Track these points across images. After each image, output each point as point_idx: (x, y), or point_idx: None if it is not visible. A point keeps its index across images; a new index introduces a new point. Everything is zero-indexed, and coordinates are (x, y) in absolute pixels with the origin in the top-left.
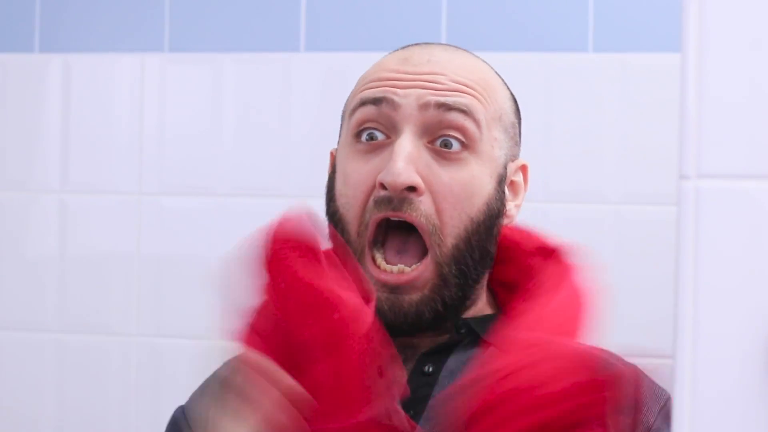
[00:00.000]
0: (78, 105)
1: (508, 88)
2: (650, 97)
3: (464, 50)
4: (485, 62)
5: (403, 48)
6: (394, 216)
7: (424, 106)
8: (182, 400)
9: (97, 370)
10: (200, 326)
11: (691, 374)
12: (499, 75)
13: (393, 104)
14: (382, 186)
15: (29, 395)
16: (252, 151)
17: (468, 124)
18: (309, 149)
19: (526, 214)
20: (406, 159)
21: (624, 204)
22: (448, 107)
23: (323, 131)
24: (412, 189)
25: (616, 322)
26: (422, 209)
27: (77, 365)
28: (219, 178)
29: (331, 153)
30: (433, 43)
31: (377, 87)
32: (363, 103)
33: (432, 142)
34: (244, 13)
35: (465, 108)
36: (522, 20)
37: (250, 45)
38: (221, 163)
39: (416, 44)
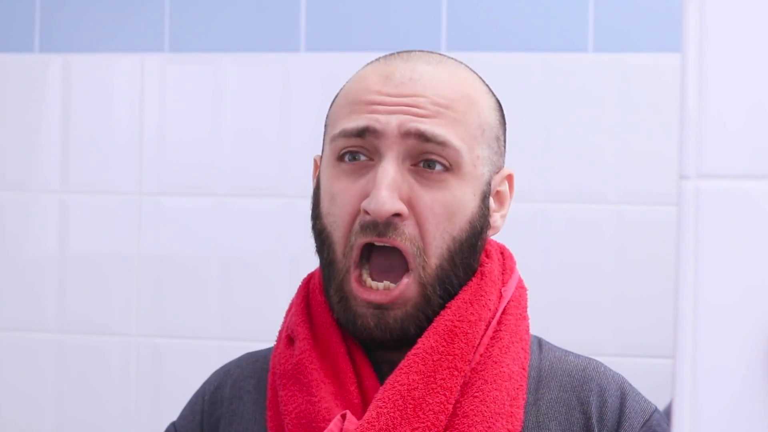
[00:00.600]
0: (78, 105)
1: (493, 95)
2: (650, 96)
3: (447, 59)
4: (469, 70)
5: (386, 59)
6: (380, 242)
7: (406, 134)
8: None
9: (97, 371)
10: (200, 326)
11: (691, 374)
12: (483, 82)
13: (376, 132)
14: (367, 212)
15: (29, 395)
16: (252, 152)
17: (447, 152)
18: (308, 149)
19: (527, 215)
20: (389, 186)
21: (624, 204)
22: (426, 138)
23: (323, 132)
24: (396, 214)
25: (617, 321)
26: (407, 233)
27: (77, 365)
28: (219, 179)
29: (315, 160)
30: (415, 53)
31: (360, 114)
32: (347, 135)
33: (415, 164)
34: (244, 13)
35: (442, 140)
36: (522, 20)
37: (250, 45)
38: (221, 164)
39: (399, 55)
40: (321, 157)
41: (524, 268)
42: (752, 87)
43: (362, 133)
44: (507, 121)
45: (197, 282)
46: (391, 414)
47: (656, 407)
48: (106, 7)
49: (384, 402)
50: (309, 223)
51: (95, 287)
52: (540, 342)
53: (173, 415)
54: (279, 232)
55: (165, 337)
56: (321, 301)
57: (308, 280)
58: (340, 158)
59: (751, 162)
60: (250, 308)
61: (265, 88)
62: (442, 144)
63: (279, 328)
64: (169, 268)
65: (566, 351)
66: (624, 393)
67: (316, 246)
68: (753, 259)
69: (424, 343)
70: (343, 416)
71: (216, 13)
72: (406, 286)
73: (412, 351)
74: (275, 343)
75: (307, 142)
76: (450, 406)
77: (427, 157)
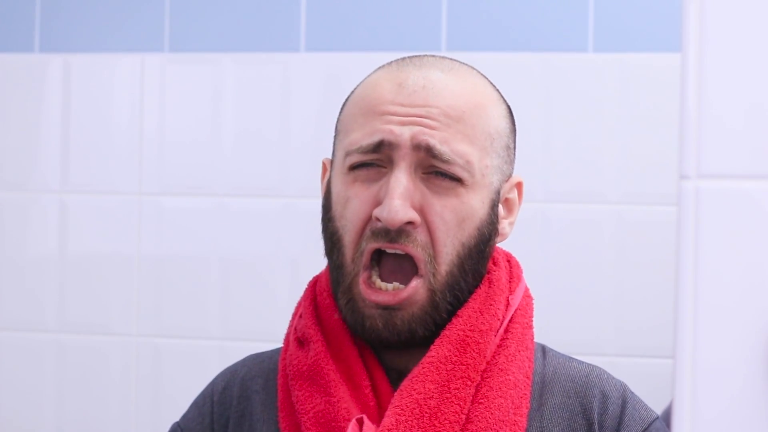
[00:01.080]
0: (78, 105)
1: (503, 101)
2: (650, 97)
3: (459, 65)
4: (481, 76)
5: (399, 64)
6: (391, 248)
7: (417, 147)
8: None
9: (97, 371)
10: (200, 326)
11: (691, 374)
12: (495, 88)
13: (390, 145)
14: (379, 219)
15: (29, 395)
16: (252, 152)
17: (454, 169)
18: (309, 150)
19: (527, 215)
20: (401, 195)
21: (624, 204)
22: (433, 155)
23: (323, 131)
24: (409, 222)
25: (617, 321)
26: (419, 240)
27: (77, 365)
28: (219, 179)
29: (324, 163)
30: (428, 58)
31: (374, 126)
32: (363, 151)
33: (426, 172)
34: (244, 13)
35: (448, 158)
36: (522, 20)
37: (250, 45)
38: (221, 164)
39: (412, 61)
40: (331, 161)
41: (524, 269)
42: (752, 87)
43: (378, 148)
44: None
45: (197, 282)
46: (409, 422)
47: (657, 415)
48: (106, 7)
49: (402, 409)
50: (309, 223)
51: (95, 287)
52: (544, 349)
53: (173, 415)
54: (279, 232)
55: (165, 337)
56: (329, 304)
57: (314, 283)
58: (353, 168)
59: (751, 162)
60: (250, 308)
61: (265, 88)
62: (448, 162)
63: (285, 330)
64: (169, 268)
65: (570, 357)
66: (625, 400)
67: (326, 248)
68: (753, 259)
69: (438, 351)
70: (359, 420)
71: (216, 13)
72: (415, 288)
73: (426, 359)
74: (283, 345)
75: (307, 142)
76: (463, 417)
77: (436, 170)
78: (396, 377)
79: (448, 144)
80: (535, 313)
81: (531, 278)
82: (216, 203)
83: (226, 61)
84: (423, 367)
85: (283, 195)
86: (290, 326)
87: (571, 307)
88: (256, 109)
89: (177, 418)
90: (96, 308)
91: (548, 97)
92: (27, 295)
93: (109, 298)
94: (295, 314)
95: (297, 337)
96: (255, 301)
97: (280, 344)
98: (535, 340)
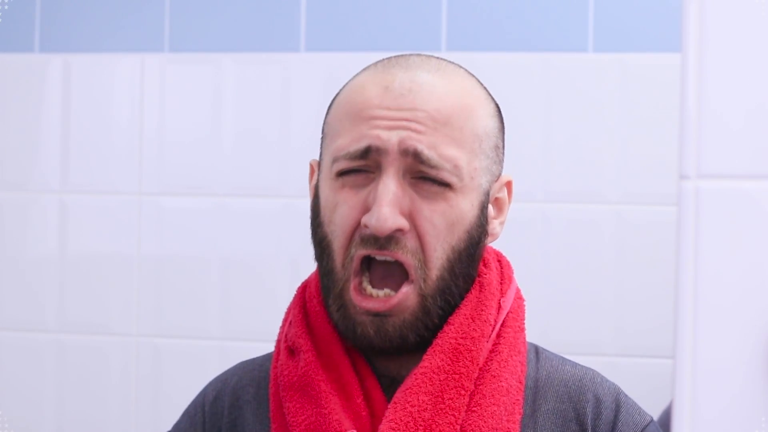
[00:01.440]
0: (78, 105)
1: (492, 100)
2: (650, 97)
3: (446, 64)
4: (468, 75)
5: (385, 66)
6: (381, 255)
7: (405, 152)
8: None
9: (97, 371)
10: (200, 326)
11: (691, 374)
12: (482, 87)
13: (378, 151)
14: (367, 226)
15: (29, 395)
16: (252, 152)
17: (442, 174)
18: (309, 150)
19: (527, 215)
20: (390, 202)
21: (624, 204)
22: (421, 160)
23: (320, 137)
24: (398, 229)
25: (617, 321)
26: (408, 246)
27: (77, 365)
28: (219, 179)
29: (311, 165)
30: (414, 58)
31: (361, 131)
32: (350, 157)
33: (415, 177)
34: (244, 13)
35: (436, 163)
36: (522, 20)
37: (250, 45)
38: (221, 164)
39: (398, 61)
40: (319, 163)
41: (524, 269)
42: (752, 87)
43: (365, 154)
44: (507, 122)
45: (197, 282)
46: None
47: (652, 419)
48: (106, 7)
49: (396, 423)
50: (309, 223)
51: (95, 287)
52: (537, 350)
53: (173, 415)
54: (279, 232)
55: (165, 337)
56: (320, 311)
57: (303, 289)
58: (340, 173)
59: (751, 162)
60: (250, 308)
61: (265, 88)
62: (436, 167)
63: (276, 337)
64: (169, 268)
65: (563, 359)
66: (619, 404)
67: (316, 254)
68: (753, 259)
69: (430, 361)
70: None
71: (216, 13)
72: (406, 294)
73: (419, 370)
74: (273, 353)
75: (307, 142)
76: (458, 427)
77: (424, 175)
78: (388, 384)
79: (435, 149)
80: (534, 313)
81: (530, 278)
82: (216, 203)
83: (226, 61)
84: (416, 378)
85: (283, 195)
86: (280, 333)
87: (570, 307)
88: (256, 109)
89: (177, 418)
90: (96, 308)
91: (548, 97)
92: (27, 295)
93: (109, 298)
94: (284, 321)
95: (287, 346)
96: (255, 301)
97: None
98: (531, 340)
